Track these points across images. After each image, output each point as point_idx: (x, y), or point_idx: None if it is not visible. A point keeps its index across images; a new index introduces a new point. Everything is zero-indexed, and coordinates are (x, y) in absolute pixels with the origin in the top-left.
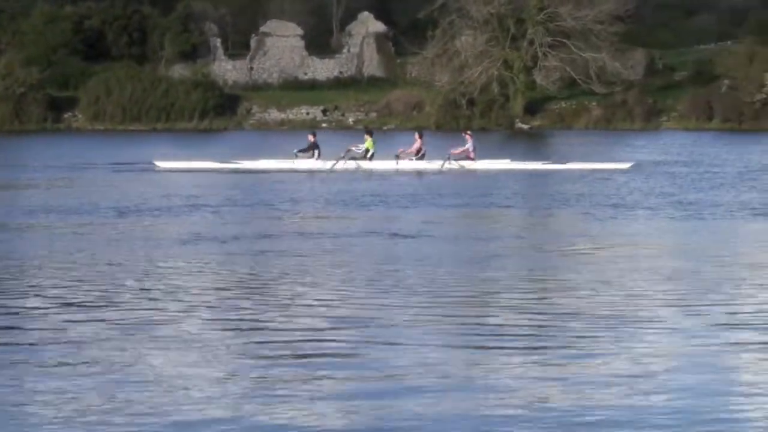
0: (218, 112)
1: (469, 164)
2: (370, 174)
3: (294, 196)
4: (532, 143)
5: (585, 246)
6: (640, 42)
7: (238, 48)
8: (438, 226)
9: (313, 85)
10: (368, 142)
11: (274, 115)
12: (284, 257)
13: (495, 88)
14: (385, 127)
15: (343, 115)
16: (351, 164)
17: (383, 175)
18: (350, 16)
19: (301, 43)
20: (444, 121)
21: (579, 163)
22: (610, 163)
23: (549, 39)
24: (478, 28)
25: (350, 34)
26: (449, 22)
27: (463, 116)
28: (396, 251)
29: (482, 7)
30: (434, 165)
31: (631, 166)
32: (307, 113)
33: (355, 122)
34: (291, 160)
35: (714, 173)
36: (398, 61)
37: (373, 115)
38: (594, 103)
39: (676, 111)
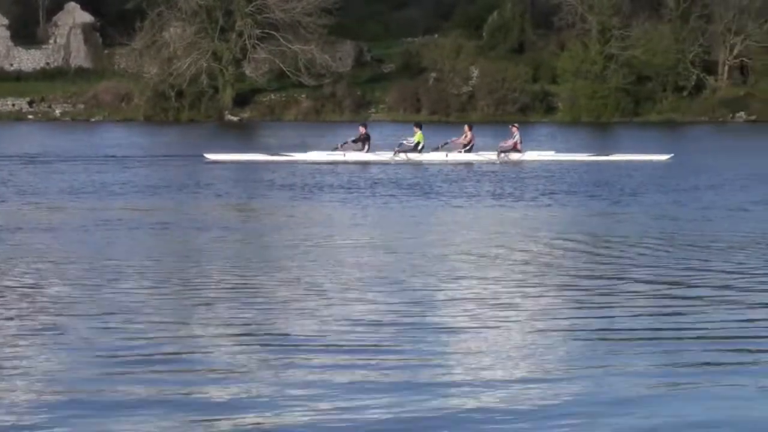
0: None
1: (516, 156)
2: (419, 164)
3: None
4: (242, 135)
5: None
6: (349, 34)
7: None
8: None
9: (18, 76)
10: (418, 135)
11: None
12: None
13: (204, 80)
14: (92, 119)
15: (49, 106)
16: (401, 156)
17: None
18: (57, 5)
19: (7, 33)
20: (153, 112)
21: (620, 155)
22: (649, 155)
23: (258, 31)
24: (187, 20)
25: (57, 25)
26: (158, 13)
27: (172, 108)
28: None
29: None
30: (484, 157)
31: (671, 158)
32: (13, 105)
33: (62, 114)
34: (342, 153)
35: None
36: (106, 52)
37: (81, 107)
38: (303, 95)
39: (384, 103)
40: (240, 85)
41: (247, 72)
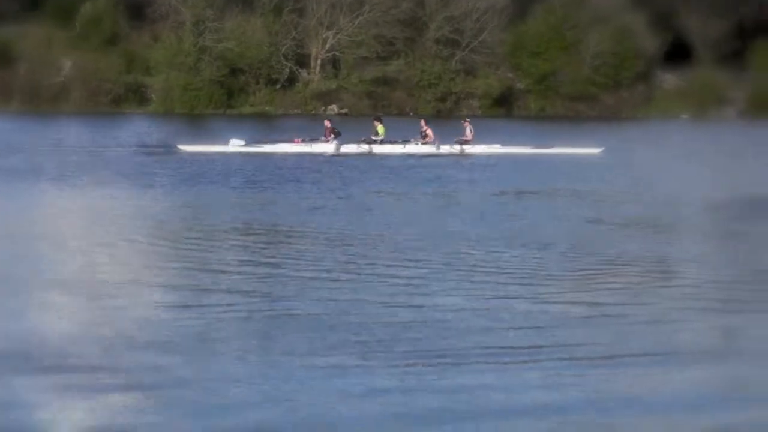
0: None
1: (468, 148)
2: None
3: None
4: None
5: None
6: None
7: None
8: None
9: None
10: (380, 128)
11: None
12: None
13: None
14: None
15: None
16: (364, 147)
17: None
18: None
19: None
20: None
21: (559, 148)
22: (581, 148)
23: None
24: None
25: None
26: None
27: None
28: None
29: None
30: (443, 150)
31: (602, 151)
32: None
33: None
34: (309, 145)
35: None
36: None
37: None
38: None
39: None
40: None
41: None
